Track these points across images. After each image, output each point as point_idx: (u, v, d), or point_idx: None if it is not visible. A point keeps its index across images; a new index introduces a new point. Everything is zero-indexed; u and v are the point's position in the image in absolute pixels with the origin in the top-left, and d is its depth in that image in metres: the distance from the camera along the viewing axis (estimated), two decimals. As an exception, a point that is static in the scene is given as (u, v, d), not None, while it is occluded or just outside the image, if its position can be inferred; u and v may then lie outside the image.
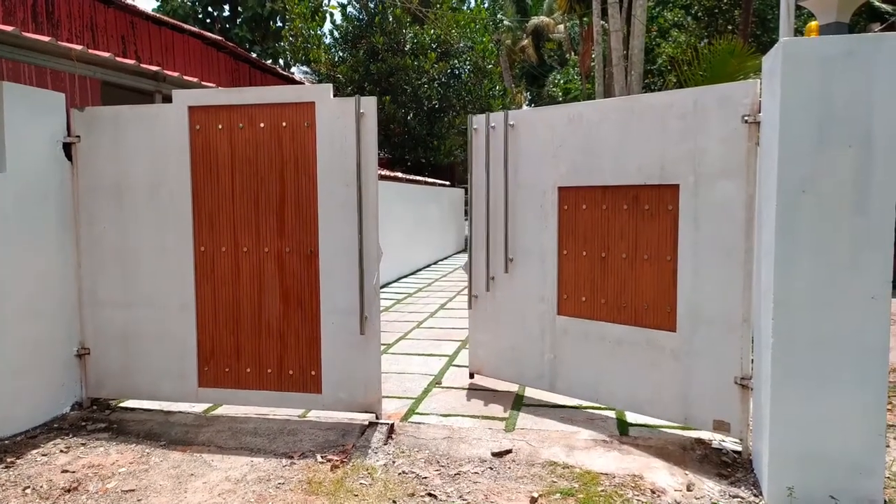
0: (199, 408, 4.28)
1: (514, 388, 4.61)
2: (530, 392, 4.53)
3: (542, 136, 4.27)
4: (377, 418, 3.99)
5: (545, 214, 4.29)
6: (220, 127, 4.03)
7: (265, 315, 4.09)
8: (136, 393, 4.30)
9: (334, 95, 3.94)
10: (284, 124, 3.99)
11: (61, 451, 3.60)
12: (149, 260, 4.18)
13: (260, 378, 4.11)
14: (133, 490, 3.13)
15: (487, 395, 4.54)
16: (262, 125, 3.99)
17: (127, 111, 4.17)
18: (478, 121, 4.60)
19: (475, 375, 4.82)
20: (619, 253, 3.96)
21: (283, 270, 4.07)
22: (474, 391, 4.63)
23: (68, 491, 3.12)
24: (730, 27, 17.25)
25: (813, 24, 5.88)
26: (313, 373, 4.05)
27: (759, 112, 3.23)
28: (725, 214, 3.43)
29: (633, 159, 3.82)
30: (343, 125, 3.92)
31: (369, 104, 3.90)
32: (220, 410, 4.24)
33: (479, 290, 4.65)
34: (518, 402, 4.34)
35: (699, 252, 3.57)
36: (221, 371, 4.13)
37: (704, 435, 3.66)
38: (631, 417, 4.02)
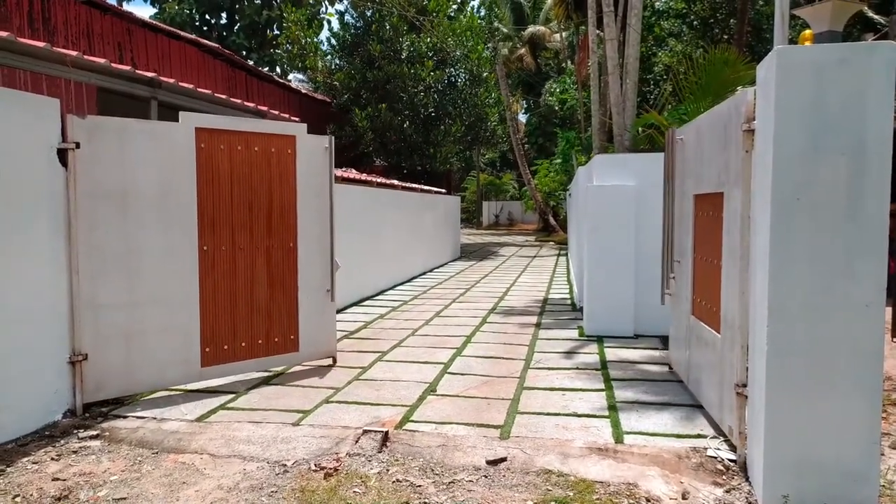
0: (192, 415, 4.25)
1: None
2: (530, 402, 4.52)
3: (691, 148, 4.53)
4: (334, 362, 5.51)
5: (688, 221, 4.58)
6: (221, 147, 4.80)
7: (256, 299, 5.04)
8: (140, 386, 4.57)
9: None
10: (273, 149, 5.06)
11: (52, 458, 3.56)
12: (154, 261, 4.52)
13: (252, 348, 5.05)
14: (125, 498, 3.10)
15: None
16: (256, 149, 4.97)
17: (135, 124, 4.45)
18: (667, 136, 5.01)
19: (671, 368, 5.29)
20: (709, 258, 4.11)
21: (271, 262, 5.12)
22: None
23: (59, 499, 3.08)
24: (725, 36, 17.36)
25: (807, 32, 5.92)
26: (292, 337, 5.26)
27: (754, 120, 3.25)
28: (734, 221, 3.48)
29: (711, 168, 3.99)
30: (316, 154, 5.31)
31: (331, 141, 5.39)
32: (213, 417, 4.22)
33: (666, 288, 5.10)
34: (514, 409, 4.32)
35: (729, 257, 3.63)
36: (220, 350, 4.88)
37: (700, 443, 3.65)
38: (626, 426, 4.01)
